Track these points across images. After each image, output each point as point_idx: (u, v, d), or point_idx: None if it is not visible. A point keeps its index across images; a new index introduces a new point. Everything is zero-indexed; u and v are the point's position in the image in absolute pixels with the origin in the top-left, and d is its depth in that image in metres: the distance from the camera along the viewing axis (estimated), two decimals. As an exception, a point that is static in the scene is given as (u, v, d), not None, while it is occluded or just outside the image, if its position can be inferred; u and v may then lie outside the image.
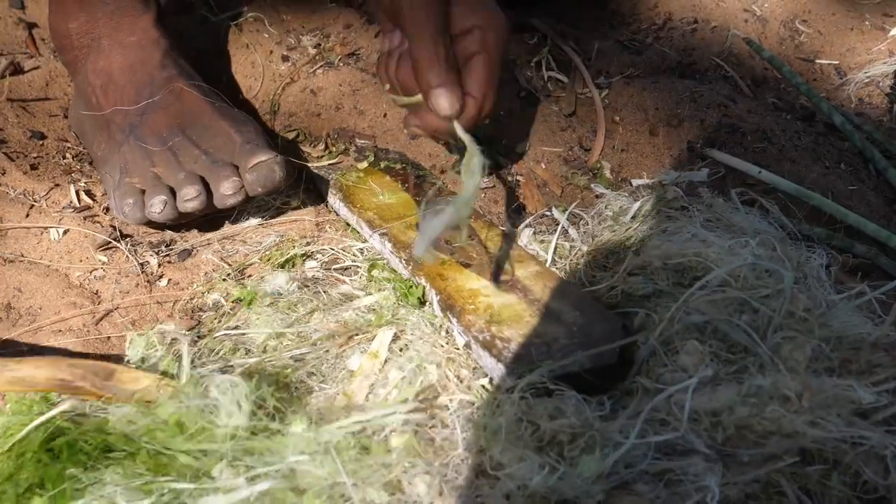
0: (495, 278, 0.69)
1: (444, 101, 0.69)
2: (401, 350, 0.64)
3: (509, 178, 0.89)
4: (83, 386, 0.59)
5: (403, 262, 0.73)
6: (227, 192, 0.75)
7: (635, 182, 0.85)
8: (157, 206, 0.74)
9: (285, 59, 1.03)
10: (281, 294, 0.72)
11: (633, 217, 0.75)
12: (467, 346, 0.64)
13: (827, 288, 0.66)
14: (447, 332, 0.67)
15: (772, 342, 0.58)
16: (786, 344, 0.57)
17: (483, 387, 0.61)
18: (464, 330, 0.64)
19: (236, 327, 0.69)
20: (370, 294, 0.70)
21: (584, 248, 0.73)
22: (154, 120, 0.81)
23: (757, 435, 0.52)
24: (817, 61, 1.11)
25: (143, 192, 0.76)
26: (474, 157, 0.64)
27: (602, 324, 0.62)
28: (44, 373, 0.59)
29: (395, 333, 0.65)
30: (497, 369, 0.60)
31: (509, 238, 0.75)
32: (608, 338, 0.60)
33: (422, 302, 0.70)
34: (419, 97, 0.72)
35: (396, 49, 0.76)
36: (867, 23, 1.15)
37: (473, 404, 0.60)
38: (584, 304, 0.65)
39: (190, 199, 0.74)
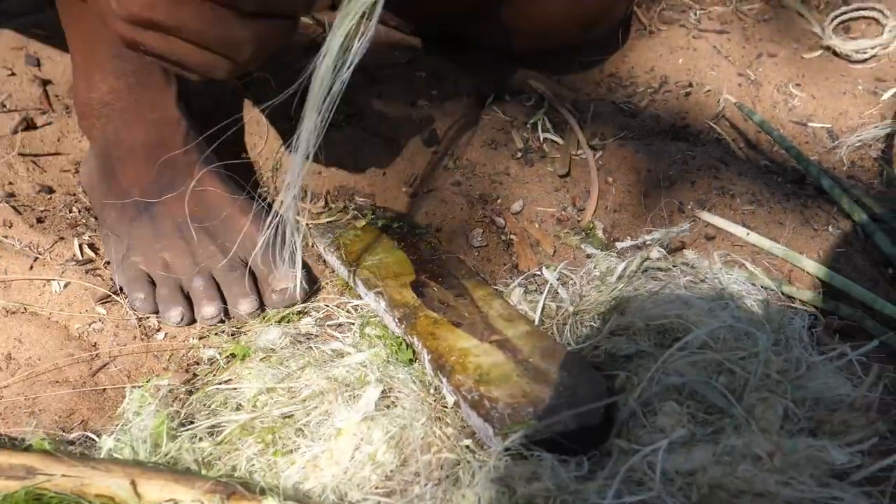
0: (486, 338, 0.71)
1: None
2: (388, 407, 0.65)
3: (503, 238, 0.91)
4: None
5: (397, 320, 0.74)
6: (244, 310, 0.78)
7: (619, 245, 0.86)
8: (174, 319, 0.77)
9: (289, 117, 1.06)
10: (273, 349, 0.73)
11: (619, 277, 0.77)
12: (456, 404, 0.66)
13: (808, 349, 0.68)
14: (436, 389, 0.68)
15: (747, 403, 0.59)
16: (760, 404, 0.59)
17: (467, 447, 0.63)
18: (453, 389, 0.66)
19: (228, 381, 0.71)
20: (361, 351, 0.72)
21: (571, 309, 0.75)
22: (171, 203, 0.83)
23: (730, 494, 0.53)
24: (810, 124, 1.13)
25: (151, 280, 0.79)
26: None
27: (587, 384, 0.64)
28: None
29: (384, 391, 0.66)
30: (485, 428, 0.62)
31: (501, 297, 0.77)
32: (593, 399, 0.62)
33: (412, 360, 0.72)
34: None
35: None
36: (860, 87, 1.17)
37: (457, 464, 0.61)
38: (571, 364, 0.66)
39: (210, 317, 0.78)
